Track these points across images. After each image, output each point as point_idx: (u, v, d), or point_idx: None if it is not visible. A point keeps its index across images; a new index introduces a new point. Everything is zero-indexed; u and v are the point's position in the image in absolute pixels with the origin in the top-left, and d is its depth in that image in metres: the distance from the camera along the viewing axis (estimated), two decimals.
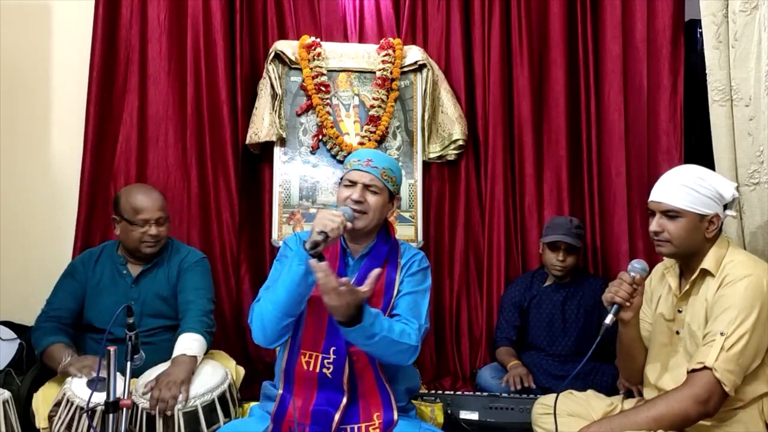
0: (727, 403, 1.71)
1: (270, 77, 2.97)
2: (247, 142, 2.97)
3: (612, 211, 3.10)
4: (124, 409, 1.68)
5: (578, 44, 3.16)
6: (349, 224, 1.82)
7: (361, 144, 3.00)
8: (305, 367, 1.84)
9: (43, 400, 2.07)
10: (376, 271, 1.67)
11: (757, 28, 2.12)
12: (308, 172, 3.03)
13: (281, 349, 1.93)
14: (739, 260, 1.76)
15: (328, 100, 3.05)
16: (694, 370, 1.68)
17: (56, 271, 2.44)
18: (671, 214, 1.77)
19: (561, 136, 3.14)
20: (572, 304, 2.81)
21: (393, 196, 1.99)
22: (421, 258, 2.00)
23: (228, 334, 2.92)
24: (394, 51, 3.05)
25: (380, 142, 3.05)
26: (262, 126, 2.91)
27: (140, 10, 2.97)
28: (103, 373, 1.69)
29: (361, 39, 3.16)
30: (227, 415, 2.03)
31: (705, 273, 1.79)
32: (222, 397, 2.02)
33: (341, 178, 2.00)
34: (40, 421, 2.01)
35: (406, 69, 3.09)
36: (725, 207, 1.80)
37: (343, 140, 3.01)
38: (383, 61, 3.05)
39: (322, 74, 3.02)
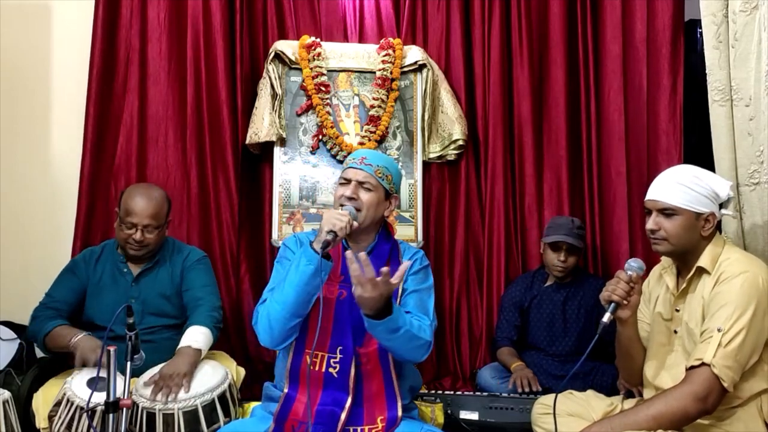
0: (725, 401, 1.71)
1: (270, 77, 2.97)
2: (247, 142, 2.97)
3: (612, 211, 3.10)
4: (124, 409, 1.67)
5: (578, 44, 3.16)
6: (355, 223, 1.84)
7: (361, 144, 3.00)
8: (311, 367, 1.84)
9: (43, 400, 2.07)
10: (406, 263, 1.70)
11: (757, 28, 2.12)
12: (308, 172, 3.03)
13: (284, 349, 1.93)
14: (735, 258, 1.77)
15: (328, 100, 3.05)
16: (692, 367, 1.69)
17: (56, 271, 2.44)
18: (668, 212, 1.79)
19: (561, 136, 3.15)
20: (573, 304, 2.81)
21: (389, 195, 1.99)
22: (421, 256, 2.02)
23: (228, 334, 2.91)
24: (394, 51, 3.05)
25: (380, 142, 3.05)
26: (262, 126, 2.92)
27: (140, 10, 2.97)
28: (103, 373, 1.69)
29: (361, 39, 3.16)
30: (227, 414, 2.03)
31: (701, 271, 1.80)
32: (222, 397, 2.02)
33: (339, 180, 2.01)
34: (40, 421, 2.02)
35: (406, 69, 3.09)
36: (721, 206, 1.82)
37: (343, 140, 3.01)
38: (383, 61, 3.05)
39: (322, 74, 3.02)
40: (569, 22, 3.17)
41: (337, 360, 1.85)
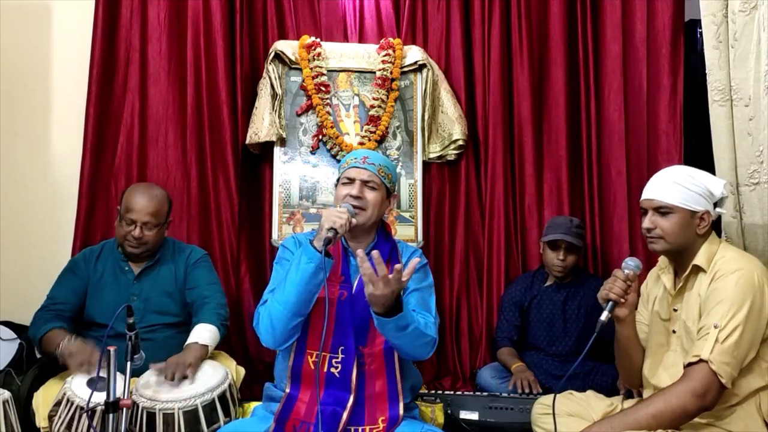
0: (723, 400, 1.71)
1: (270, 77, 2.97)
2: (247, 142, 2.97)
3: (612, 211, 3.11)
4: (124, 409, 1.68)
5: (578, 44, 3.16)
6: (353, 220, 1.84)
7: (361, 144, 3.01)
8: (313, 367, 1.84)
9: (43, 399, 2.07)
10: (415, 260, 1.71)
11: (757, 27, 2.12)
12: (308, 172, 3.03)
13: (284, 350, 1.93)
14: (730, 256, 1.79)
15: (328, 100, 3.05)
16: (690, 364, 1.70)
17: (56, 271, 2.44)
18: (663, 210, 1.81)
19: (561, 136, 3.15)
20: (573, 304, 2.81)
21: (390, 194, 2.01)
22: (419, 255, 2.02)
23: (228, 334, 2.89)
24: (394, 51, 3.05)
25: (380, 142, 3.05)
26: (262, 126, 2.92)
27: (140, 10, 2.97)
28: (103, 373, 1.69)
29: (361, 39, 3.16)
30: (227, 414, 2.03)
31: (698, 269, 1.82)
32: (222, 397, 2.02)
33: (338, 179, 2.01)
34: (40, 421, 2.01)
35: (406, 69, 3.10)
36: (716, 205, 1.84)
37: (343, 140, 3.01)
38: (383, 61, 3.05)
39: (322, 74, 3.02)
40: (569, 22, 3.18)
41: (339, 360, 1.85)
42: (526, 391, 2.53)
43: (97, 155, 2.91)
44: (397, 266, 1.64)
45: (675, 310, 1.87)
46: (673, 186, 1.81)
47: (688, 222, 1.80)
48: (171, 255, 2.46)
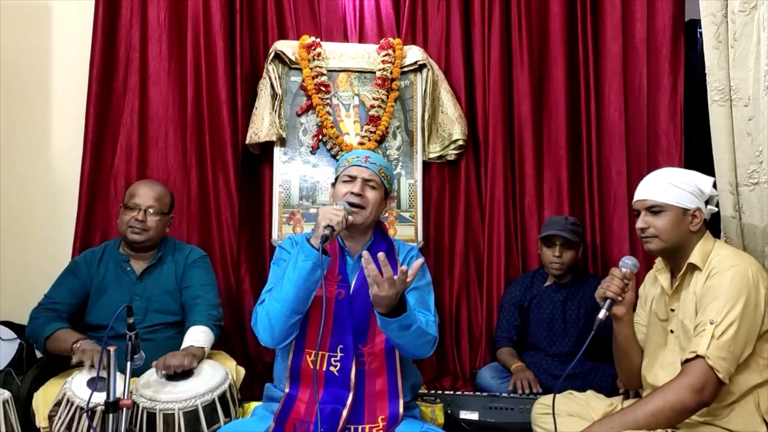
0: (721, 398, 1.72)
1: (270, 77, 2.97)
2: (247, 142, 2.97)
3: (612, 211, 3.11)
4: (124, 409, 1.68)
5: (578, 44, 3.16)
6: (350, 218, 1.84)
7: (361, 144, 3.01)
8: (311, 366, 1.85)
9: (43, 399, 2.07)
10: (419, 261, 1.72)
11: (756, 27, 2.12)
12: (308, 172, 3.03)
13: (283, 350, 1.93)
14: (725, 254, 1.81)
15: (328, 100, 3.05)
16: (687, 360, 1.71)
17: (56, 271, 2.45)
18: (655, 209, 1.85)
19: (561, 136, 3.15)
20: (572, 304, 2.81)
21: (387, 195, 2.02)
22: (416, 253, 2.03)
23: (228, 334, 2.91)
24: (394, 51, 3.05)
25: (380, 142, 3.05)
26: (262, 126, 2.92)
27: (140, 10, 2.97)
28: (103, 373, 1.69)
29: (361, 39, 3.16)
30: (227, 415, 2.03)
31: (693, 268, 1.84)
32: (222, 397, 2.02)
33: (336, 178, 2.02)
34: (40, 421, 2.02)
35: (406, 69, 3.10)
36: (708, 203, 1.87)
37: (343, 140, 3.01)
38: (383, 61, 3.05)
39: (322, 74, 3.02)
40: (569, 22, 3.18)
41: (338, 358, 1.86)
42: (526, 391, 2.53)
43: (97, 155, 2.91)
44: (402, 267, 1.64)
45: (672, 310, 1.89)
46: (664, 185, 1.85)
47: (681, 219, 1.83)
48: (172, 254, 2.47)
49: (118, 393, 1.69)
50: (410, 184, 3.09)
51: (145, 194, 2.39)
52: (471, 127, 3.17)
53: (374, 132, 3.03)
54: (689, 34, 3.10)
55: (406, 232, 3.05)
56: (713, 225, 2.16)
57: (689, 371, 1.68)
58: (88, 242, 2.82)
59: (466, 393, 2.58)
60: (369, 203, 1.93)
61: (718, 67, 2.21)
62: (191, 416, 1.94)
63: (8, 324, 2.71)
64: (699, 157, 2.79)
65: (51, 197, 3.00)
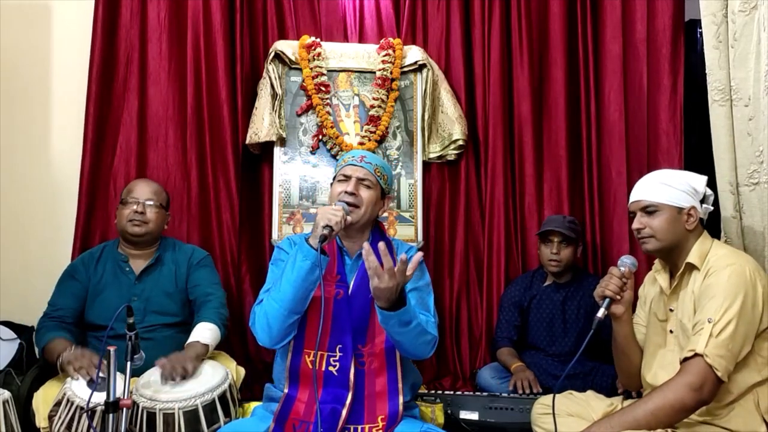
0: (720, 397, 1.72)
1: (270, 77, 2.97)
2: (247, 142, 2.97)
3: (612, 211, 3.11)
4: (124, 409, 1.68)
5: (578, 44, 3.16)
6: (348, 218, 1.85)
7: (361, 144, 3.01)
8: (310, 366, 1.85)
9: (43, 399, 2.07)
10: (419, 255, 1.72)
11: (756, 28, 2.12)
12: (308, 172, 3.03)
13: (282, 350, 1.93)
14: (723, 253, 1.82)
15: (328, 100, 3.05)
16: (686, 359, 1.71)
17: (56, 271, 2.45)
18: (650, 209, 1.87)
19: (561, 136, 3.15)
20: (572, 304, 2.81)
21: (385, 195, 2.02)
22: (416, 252, 2.01)
23: (228, 335, 2.89)
24: (394, 51, 3.05)
25: (380, 142, 3.05)
26: (262, 126, 2.92)
27: (140, 9, 2.97)
28: (103, 373, 1.69)
29: (361, 39, 3.16)
30: (228, 414, 2.03)
31: (691, 267, 1.84)
32: (222, 397, 2.02)
33: (334, 177, 2.02)
34: (40, 421, 2.01)
35: (406, 69, 3.10)
36: (702, 202, 1.88)
37: (343, 140, 3.01)
38: (383, 61, 3.05)
39: (322, 74, 3.02)
40: (569, 22, 3.18)
41: (337, 358, 1.85)
42: (526, 391, 2.53)
43: (96, 155, 2.91)
44: (402, 256, 1.64)
45: (671, 310, 1.89)
46: (658, 185, 1.87)
47: (676, 218, 1.84)
48: (172, 255, 2.47)
49: (118, 393, 1.69)
50: (410, 184, 3.09)
51: (143, 189, 2.43)
52: (471, 127, 3.17)
53: (374, 132, 3.03)
54: (689, 34, 3.10)
55: (406, 232, 3.05)
56: (713, 225, 2.17)
57: (688, 370, 1.69)
58: (88, 242, 2.82)
59: (466, 393, 2.58)
60: (363, 202, 1.93)
61: (719, 67, 2.21)
62: (191, 416, 1.94)
63: (8, 324, 2.71)
64: (699, 157, 2.80)
65: (51, 197, 3.00)
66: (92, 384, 1.84)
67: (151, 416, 1.92)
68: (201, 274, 2.45)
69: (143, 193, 2.41)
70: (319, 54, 3.02)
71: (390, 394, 1.86)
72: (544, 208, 3.15)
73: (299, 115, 3.04)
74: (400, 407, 1.84)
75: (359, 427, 1.82)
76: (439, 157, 3.15)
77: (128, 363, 1.77)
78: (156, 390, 1.98)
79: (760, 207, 2.16)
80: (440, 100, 3.12)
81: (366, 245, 1.67)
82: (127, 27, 2.97)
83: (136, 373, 2.04)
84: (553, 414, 1.81)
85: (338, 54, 3.08)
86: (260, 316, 1.84)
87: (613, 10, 3.11)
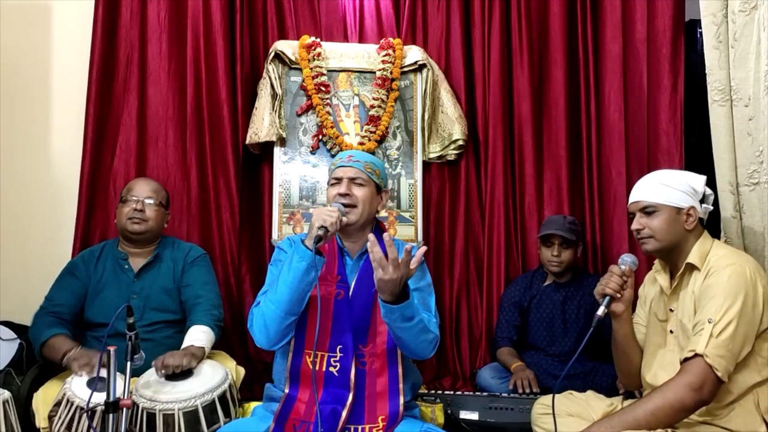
0: (720, 397, 1.72)
1: (270, 77, 2.97)
2: (247, 142, 2.97)
3: (612, 211, 3.11)
4: (124, 409, 1.68)
5: (578, 44, 3.16)
6: (344, 218, 1.85)
7: (361, 144, 3.01)
8: (311, 367, 1.85)
9: (43, 399, 2.07)
10: (422, 249, 1.73)
11: (756, 28, 2.12)
12: (308, 172, 3.03)
13: (282, 350, 1.93)
14: (723, 253, 1.82)
15: (328, 100, 3.05)
16: (686, 359, 1.71)
17: (56, 271, 2.45)
18: (649, 210, 1.87)
19: (561, 136, 3.15)
20: (572, 303, 2.81)
21: (380, 189, 2.01)
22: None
23: (228, 335, 2.91)
24: (394, 51, 3.05)
25: (380, 142, 3.05)
26: (262, 126, 2.92)
27: (140, 9, 2.97)
28: (103, 373, 1.69)
29: (361, 39, 3.16)
30: (227, 415, 2.03)
31: (692, 268, 1.84)
32: (222, 397, 2.02)
33: (328, 182, 2.04)
34: (40, 421, 2.02)
35: (406, 69, 3.10)
36: (702, 202, 1.89)
37: (343, 140, 3.01)
38: (383, 61, 3.05)
39: (322, 74, 3.02)
40: (569, 22, 3.18)
41: (337, 359, 1.85)
42: (527, 391, 2.53)
43: (96, 155, 2.91)
44: (407, 246, 1.65)
45: (671, 310, 1.89)
46: (656, 186, 1.87)
47: (675, 218, 1.84)
48: (170, 253, 2.47)
49: (118, 393, 1.69)
50: (410, 184, 3.09)
51: (143, 187, 2.44)
52: (471, 127, 3.17)
53: (374, 132, 3.03)
54: (689, 34, 3.10)
55: (406, 232, 3.05)
56: (713, 225, 2.16)
57: (688, 370, 1.69)
58: (88, 242, 2.81)
59: (466, 393, 2.58)
60: (359, 200, 1.93)
61: (719, 67, 2.21)
62: (191, 416, 1.94)
63: (8, 324, 2.70)
64: (699, 157, 2.79)
65: (51, 197, 3.00)
66: (92, 383, 1.84)
67: (151, 416, 1.92)
68: (193, 274, 2.44)
69: (143, 191, 2.42)
70: (319, 54, 3.02)
71: (391, 395, 1.86)
72: (544, 208, 3.15)
73: (299, 115, 3.04)
74: (401, 407, 1.85)
75: (359, 427, 1.82)
76: (439, 157, 3.15)
77: (128, 363, 1.78)
78: (156, 390, 1.98)
79: (760, 207, 2.16)
80: (440, 100, 3.12)
81: (371, 236, 1.68)
82: (127, 27, 2.97)
83: (136, 373, 2.04)
84: (553, 414, 1.81)
85: (338, 54, 3.08)
86: (257, 318, 1.85)
87: (613, 10, 3.11)
